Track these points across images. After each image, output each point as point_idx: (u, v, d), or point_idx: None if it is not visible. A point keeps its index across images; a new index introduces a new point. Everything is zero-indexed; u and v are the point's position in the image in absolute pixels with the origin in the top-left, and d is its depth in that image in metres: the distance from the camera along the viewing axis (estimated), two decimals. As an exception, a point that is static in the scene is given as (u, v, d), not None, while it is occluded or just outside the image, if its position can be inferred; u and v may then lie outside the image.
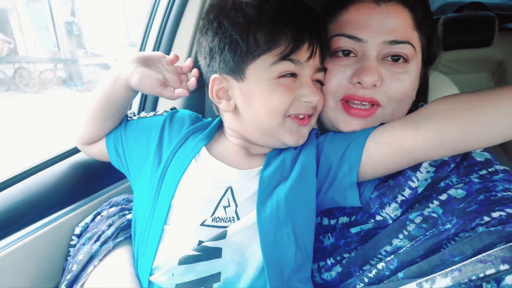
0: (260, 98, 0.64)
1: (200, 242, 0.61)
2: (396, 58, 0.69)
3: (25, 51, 8.13)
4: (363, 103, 0.70)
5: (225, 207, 0.63)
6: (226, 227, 0.62)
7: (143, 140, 0.75)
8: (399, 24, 0.69)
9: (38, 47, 8.48)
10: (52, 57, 8.10)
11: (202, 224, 0.62)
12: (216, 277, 0.60)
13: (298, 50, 0.62)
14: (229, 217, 0.63)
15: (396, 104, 0.71)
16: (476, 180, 0.63)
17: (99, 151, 0.80)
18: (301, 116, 0.67)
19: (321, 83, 0.70)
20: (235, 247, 0.61)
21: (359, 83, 0.69)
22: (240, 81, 0.65)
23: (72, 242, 0.77)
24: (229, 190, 0.64)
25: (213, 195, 0.64)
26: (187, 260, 0.60)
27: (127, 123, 0.78)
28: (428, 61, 0.77)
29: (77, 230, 0.79)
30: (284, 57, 0.62)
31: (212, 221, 0.63)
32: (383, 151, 0.65)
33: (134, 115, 0.81)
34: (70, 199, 0.84)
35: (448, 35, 1.60)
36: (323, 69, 0.69)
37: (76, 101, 6.67)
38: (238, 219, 0.63)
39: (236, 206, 0.64)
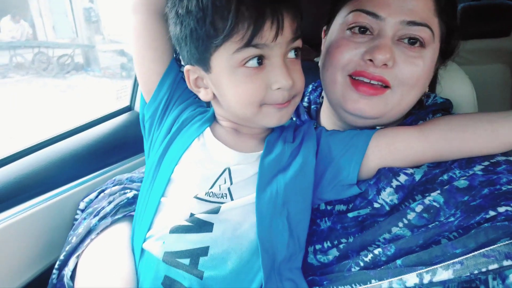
0: (229, 90, 0.61)
1: (192, 214, 0.62)
2: (412, 41, 0.68)
3: (44, 36, 8.29)
4: (371, 81, 0.69)
5: (220, 185, 0.64)
6: (219, 203, 0.63)
7: (184, 103, 0.73)
8: (419, 5, 0.68)
9: (57, 32, 8.63)
10: (70, 43, 8.25)
11: (195, 197, 0.63)
12: (204, 250, 0.60)
13: (259, 32, 0.56)
14: (222, 194, 0.63)
15: (406, 89, 0.70)
16: (480, 173, 0.61)
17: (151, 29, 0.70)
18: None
19: (299, 49, 0.64)
20: (226, 224, 0.62)
21: (371, 60, 0.68)
22: (208, 72, 0.62)
23: (77, 216, 0.80)
24: (227, 170, 0.65)
25: (211, 174, 0.65)
26: (178, 230, 0.61)
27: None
28: (446, 53, 0.76)
29: (82, 205, 0.81)
30: (247, 43, 0.56)
31: (205, 195, 0.63)
32: (384, 155, 0.66)
33: None
34: (76, 175, 0.87)
35: (466, 24, 1.56)
36: (298, 36, 0.62)
37: (93, 86, 6.80)
38: (231, 196, 0.64)
39: (231, 184, 0.64)
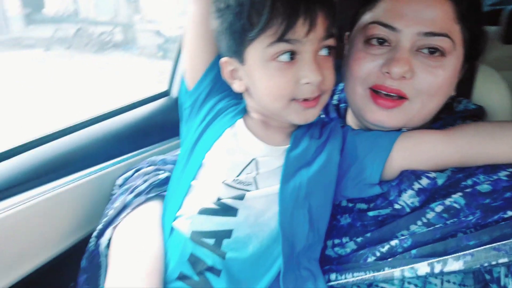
0: (261, 83, 0.64)
1: (219, 198, 0.66)
2: (432, 50, 0.67)
3: (86, 13, 8.54)
4: (390, 94, 0.69)
5: (247, 174, 0.67)
6: (245, 190, 0.66)
7: (220, 94, 0.76)
8: (438, 15, 0.66)
9: (98, 10, 8.86)
10: (110, 21, 8.45)
11: (223, 183, 0.67)
12: (228, 233, 0.64)
13: (292, 28, 0.58)
14: (248, 182, 0.67)
15: (426, 98, 0.69)
16: (505, 178, 0.62)
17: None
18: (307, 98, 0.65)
19: (332, 47, 0.65)
20: (250, 210, 0.65)
21: (388, 73, 0.67)
22: (243, 64, 0.65)
23: (114, 192, 0.86)
24: (254, 161, 0.68)
25: (239, 162, 0.68)
26: (206, 212, 0.66)
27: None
28: (472, 57, 0.74)
29: (119, 181, 0.86)
30: (280, 38, 0.59)
31: (233, 182, 0.67)
32: (408, 156, 0.67)
33: None
34: (115, 153, 0.94)
35: (512, 28, 1.50)
36: (331, 34, 0.63)
37: (130, 64, 6.99)
38: (256, 184, 0.67)
39: (257, 173, 0.67)
